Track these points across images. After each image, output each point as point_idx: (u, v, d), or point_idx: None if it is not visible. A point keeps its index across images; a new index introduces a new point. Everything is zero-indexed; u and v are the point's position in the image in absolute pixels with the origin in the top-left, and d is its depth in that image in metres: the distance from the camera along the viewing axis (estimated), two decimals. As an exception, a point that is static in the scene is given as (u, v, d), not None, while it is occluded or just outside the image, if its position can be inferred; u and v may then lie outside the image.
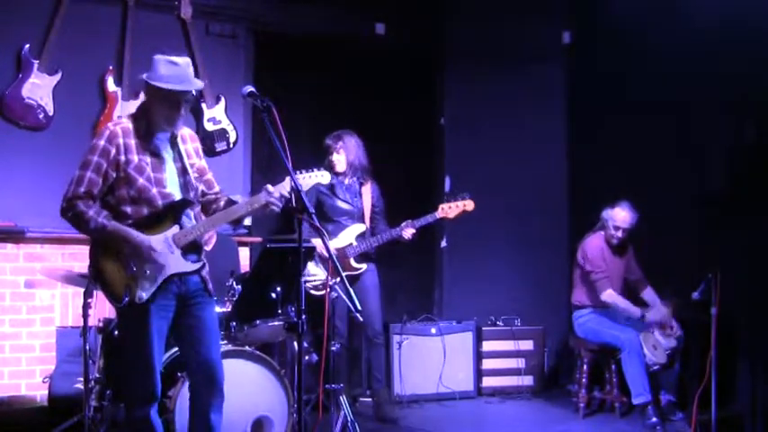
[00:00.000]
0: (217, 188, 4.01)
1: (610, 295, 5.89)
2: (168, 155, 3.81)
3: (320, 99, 6.71)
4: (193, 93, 3.80)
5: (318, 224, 3.48)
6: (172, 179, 3.78)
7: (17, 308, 5.58)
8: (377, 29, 7.10)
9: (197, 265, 3.78)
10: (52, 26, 5.66)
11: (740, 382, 5.46)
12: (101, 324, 4.74)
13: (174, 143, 3.83)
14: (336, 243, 5.75)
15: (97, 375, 4.64)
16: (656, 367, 5.68)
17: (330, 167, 5.80)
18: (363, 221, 5.90)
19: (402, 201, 6.34)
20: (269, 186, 3.74)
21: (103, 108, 5.86)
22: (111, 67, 5.90)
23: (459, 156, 7.22)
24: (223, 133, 6.27)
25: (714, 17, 5.60)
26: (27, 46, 5.60)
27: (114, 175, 3.68)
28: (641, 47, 6.34)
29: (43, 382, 5.31)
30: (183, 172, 3.82)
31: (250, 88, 3.68)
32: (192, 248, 3.78)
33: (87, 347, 4.50)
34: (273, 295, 4.71)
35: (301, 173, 3.84)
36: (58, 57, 5.70)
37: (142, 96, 5.79)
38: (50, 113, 5.67)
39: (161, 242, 3.67)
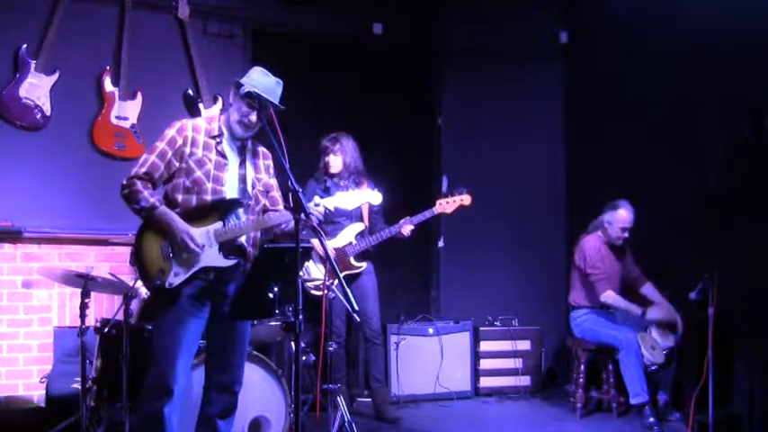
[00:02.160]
0: (280, 206, 4.06)
1: (609, 296, 5.90)
2: (233, 160, 3.90)
3: (318, 99, 6.71)
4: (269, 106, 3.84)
5: (316, 224, 3.49)
6: (231, 182, 3.87)
7: (14, 308, 5.57)
8: (375, 29, 7.10)
9: (231, 263, 3.81)
10: (50, 26, 5.66)
11: (737, 382, 5.46)
12: (98, 324, 4.73)
13: (241, 151, 3.93)
14: (336, 242, 5.75)
15: (94, 375, 4.63)
16: (653, 367, 5.68)
17: (326, 169, 5.81)
18: (362, 221, 5.90)
19: (400, 200, 6.32)
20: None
21: (101, 108, 5.85)
22: (108, 67, 5.89)
23: (457, 155, 7.23)
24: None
25: (713, 16, 5.60)
26: (24, 46, 5.59)
27: (177, 164, 3.82)
28: (639, 46, 6.34)
29: (40, 382, 5.31)
30: (243, 180, 3.90)
31: (248, 88, 3.70)
32: (234, 249, 3.84)
33: (84, 348, 4.51)
34: (271, 295, 4.70)
35: (345, 190, 4.01)
36: (56, 57, 5.69)
37: (139, 98, 5.89)
38: (48, 113, 5.66)
39: (202, 235, 3.75)
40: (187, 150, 3.81)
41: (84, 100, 5.84)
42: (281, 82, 3.92)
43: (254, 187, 3.94)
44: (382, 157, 6.47)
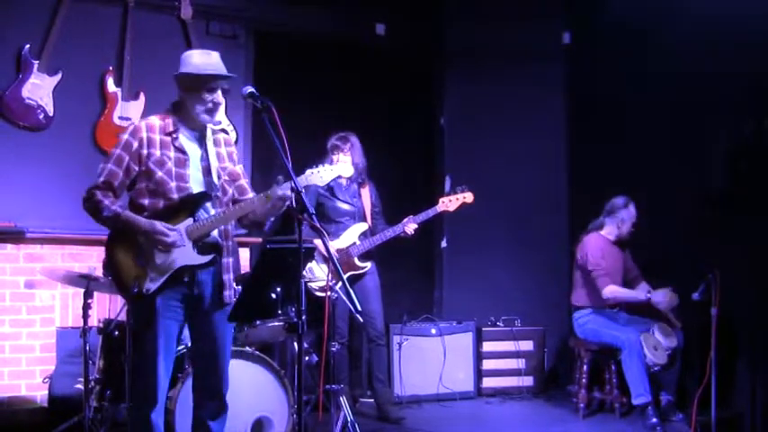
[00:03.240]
0: (250, 195, 3.98)
1: (612, 290, 5.89)
2: (194, 153, 3.83)
3: (320, 99, 6.71)
4: (225, 81, 3.83)
5: (319, 225, 3.48)
6: (194, 176, 3.79)
7: (17, 308, 5.57)
8: (377, 29, 7.10)
9: (206, 259, 3.74)
10: (52, 26, 5.66)
11: (740, 382, 5.46)
12: (101, 324, 4.74)
13: (202, 143, 3.86)
14: (340, 243, 5.76)
15: (97, 376, 4.64)
16: (656, 368, 5.68)
17: (333, 168, 5.80)
18: (365, 221, 5.90)
19: (402, 201, 6.35)
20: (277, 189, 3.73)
21: (103, 109, 5.86)
22: (111, 68, 5.89)
23: (459, 156, 7.23)
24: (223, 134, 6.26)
25: (714, 16, 5.61)
26: (27, 46, 5.59)
27: (137, 168, 3.73)
28: (641, 47, 6.35)
29: (43, 382, 5.32)
30: (207, 172, 3.83)
31: (250, 89, 3.68)
32: (208, 245, 3.77)
33: (87, 348, 4.51)
34: (273, 296, 4.70)
35: (316, 167, 3.84)
36: (59, 57, 5.69)
37: (142, 98, 5.88)
38: (50, 114, 5.66)
39: (173, 236, 3.67)
40: (144, 152, 3.72)
41: (86, 100, 5.84)
42: (218, 53, 3.87)
43: (219, 178, 3.85)
44: (384, 158, 6.47)
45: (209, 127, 3.91)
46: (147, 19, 6.06)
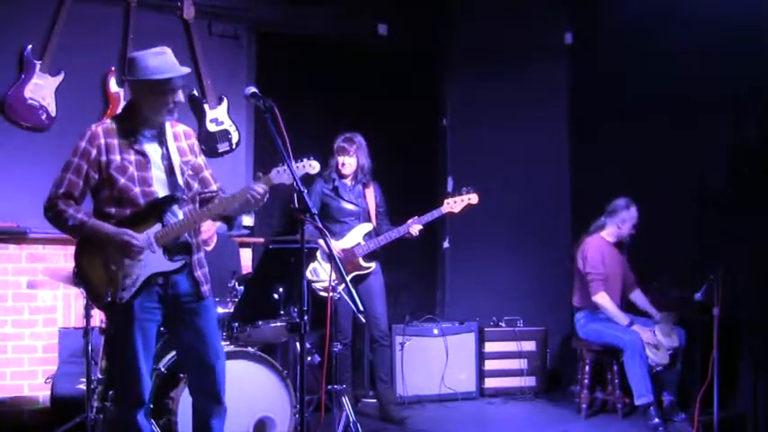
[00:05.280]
0: (214, 186, 3.90)
1: (602, 297, 5.88)
2: (155, 153, 3.72)
3: (322, 100, 6.71)
4: (181, 79, 3.72)
5: (321, 225, 3.47)
6: (158, 178, 3.69)
7: (19, 308, 5.58)
8: (379, 29, 7.10)
9: (178, 264, 3.67)
10: (54, 27, 5.66)
11: (742, 382, 5.45)
12: (103, 325, 4.73)
13: (161, 141, 3.75)
14: (344, 243, 5.75)
15: (99, 376, 4.64)
16: (658, 368, 5.68)
17: (338, 169, 5.80)
18: (370, 221, 5.90)
19: (405, 201, 6.35)
20: (253, 185, 3.67)
21: (106, 109, 5.85)
22: (113, 68, 5.89)
23: (462, 156, 7.22)
24: (225, 134, 6.27)
25: (714, 17, 5.61)
26: (29, 46, 5.60)
27: (97, 176, 3.63)
28: (642, 47, 6.35)
29: (45, 382, 5.32)
30: (170, 171, 3.72)
31: (252, 89, 3.66)
32: (178, 248, 3.70)
33: (89, 348, 4.52)
34: (276, 296, 4.71)
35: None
36: (61, 57, 5.69)
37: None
38: (53, 114, 5.67)
39: (142, 240, 3.59)
40: (104, 159, 3.60)
41: (89, 101, 5.84)
42: (168, 48, 3.75)
43: (183, 174, 3.74)
44: (387, 158, 6.46)
45: (167, 123, 3.78)
46: (149, 19, 6.04)
